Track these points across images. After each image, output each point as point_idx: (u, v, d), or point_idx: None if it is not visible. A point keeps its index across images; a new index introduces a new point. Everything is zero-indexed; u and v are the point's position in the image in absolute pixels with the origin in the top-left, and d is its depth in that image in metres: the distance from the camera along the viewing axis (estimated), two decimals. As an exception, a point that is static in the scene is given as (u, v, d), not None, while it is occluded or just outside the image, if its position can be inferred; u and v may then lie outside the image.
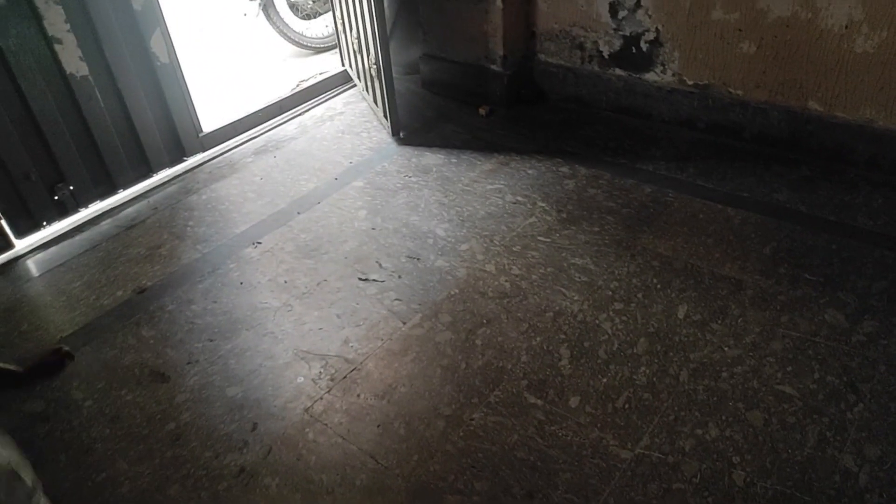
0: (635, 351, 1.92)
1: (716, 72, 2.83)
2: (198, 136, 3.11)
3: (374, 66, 3.09)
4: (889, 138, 2.52)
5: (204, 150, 3.14)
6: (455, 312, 2.11)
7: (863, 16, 2.38)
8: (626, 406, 1.75)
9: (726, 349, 1.89)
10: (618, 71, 3.12)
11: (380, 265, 2.32)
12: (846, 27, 2.43)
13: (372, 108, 3.38)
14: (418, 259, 2.35)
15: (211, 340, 2.07)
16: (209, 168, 3.03)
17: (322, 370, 1.92)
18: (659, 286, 2.14)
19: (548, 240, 2.40)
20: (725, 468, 1.57)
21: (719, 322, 1.98)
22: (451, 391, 1.83)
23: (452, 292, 2.19)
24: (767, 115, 2.76)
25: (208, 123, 3.18)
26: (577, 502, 1.53)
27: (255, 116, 3.37)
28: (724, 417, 1.69)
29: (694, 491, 1.53)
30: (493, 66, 3.29)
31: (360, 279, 2.26)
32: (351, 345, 2.00)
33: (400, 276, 2.26)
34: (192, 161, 3.07)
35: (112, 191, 2.81)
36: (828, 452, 1.58)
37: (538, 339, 1.99)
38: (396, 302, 2.16)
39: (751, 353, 1.86)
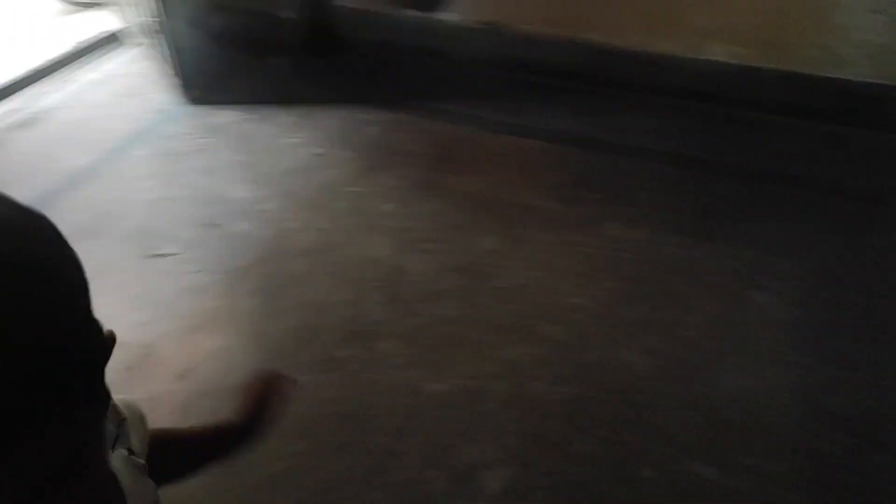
0: (443, 287, 1.96)
1: (503, 7, 2.90)
2: (-62, 115, 2.65)
3: (156, 20, 2.80)
4: (655, 62, 2.75)
5: (-50, 131, 2.69)
6: (261, 276, 2.02)
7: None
8: (438, 342, 1.80)
9: (524, 272, 1.99)
10: (411, 12, 3.09)
11: (173, 238, 2.15)
12: (611, -43, 2.59)
13: (156, 68, 3.08)
14: (217, 225, 2.21)
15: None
16: (-42, 151, 2.61)
17: (111, 362, 1.76)
18: (463, 222, 2.20)
19: (354, 189, 2.37)
20: (528, 382, 1.68)
21: (518, 249, 2.08)
22: (259, 359, 1.77)
23: (257, 256, 2.09)
24: (553, 49, 2.89)
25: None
26: (391, 443, 1.56)
27: (14, 85, 2.93)
28: (526, 336, 1.80)
29: (501, 409, 1.62)
30: (286, 13, 3.12)
31: (151, 255, 2.09)
32: (145, 326, 1.85)
33: (198, 247, 2.12)
34: (-65, 145, 2.62)
35: None
36: (614, 351, 1.74)
37: (349, 290, 1.97)
38: (195, 274, 2.02)
39: (545, 274, 1.99)
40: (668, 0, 2.59)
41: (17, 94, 2.92)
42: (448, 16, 3.03)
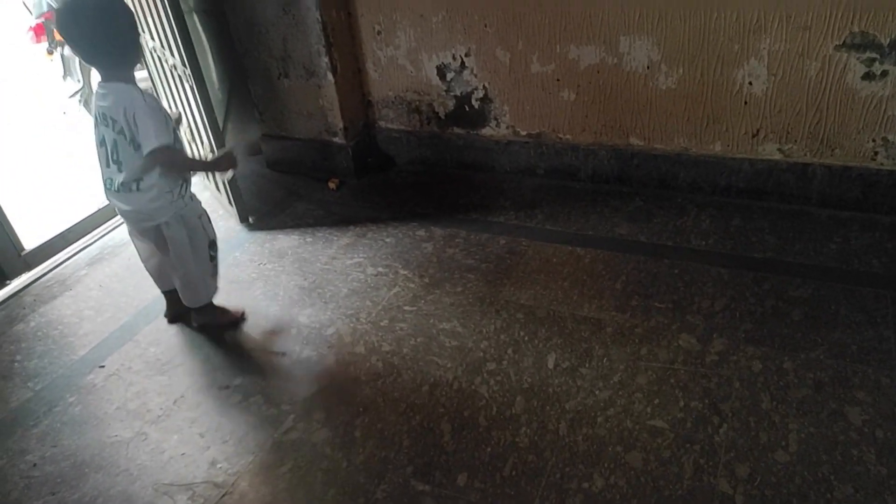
0: (514, 411, 1.91)
1: (544, 120, 2.99)
2: (20, 256, 2.81)
3: (210, 154, 2.97)
4: (703, 163, 2.76)
5: (29, 270, 2.83)
6: (329, 406, 2.00)
7: (660, 56, 2.62)
8: (513, 472, 1.73)
9: (597, 392, 1.93)
10: (456, 129, 3.21)
11: (243, 369, 2.17)
12: (648, 68, 2.67)
13: (216, 197, 3.23)
14: (283, 354, 2.23)
15: (53, 494, 1.81)
16: (36, 289, 2.73)
17: (189, 502, 1.73)
18: (526, 338, 2.17)
19: (414, 308, 2.38)
20: (615, 518, 1.58)
21: (587, 365, 2.03)
22: (335, 495, 1.72)
23: (324, 384, 2.09)
24: (597, 155, 2.95)
25: (32, 238, 2.89)
26: (478, 593, 1.47)
27: (87, 223, 3.11)
28: (606, 465, 1.72)
29: (590, 550, 1.53)
30: (336, 139, 3.28)
31: (222, 388, 2.10)
32: (219, 466, 1.84)
33: (265, 377, 2.13)
34: (15, 284, 2.76)
35: (-84, 336, 2.45)
36: (704, 480, 1.64)
37: (418, 417, 1.93)
38: (265, 406, 2.02)
39: (620, 393, 1.92)
40: (707, 106, 2.63)
41: (88, 233, 3.08)
42: (491, 131, 3.13)
